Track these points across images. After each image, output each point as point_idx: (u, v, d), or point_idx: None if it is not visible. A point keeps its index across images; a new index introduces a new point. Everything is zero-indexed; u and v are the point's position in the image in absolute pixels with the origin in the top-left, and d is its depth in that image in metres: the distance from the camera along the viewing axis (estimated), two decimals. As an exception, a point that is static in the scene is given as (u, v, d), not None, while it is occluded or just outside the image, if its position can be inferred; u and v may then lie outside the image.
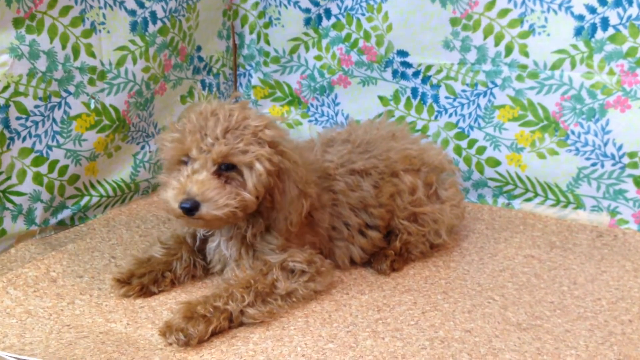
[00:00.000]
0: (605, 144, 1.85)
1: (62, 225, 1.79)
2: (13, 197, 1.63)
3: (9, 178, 1.61)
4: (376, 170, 1.58)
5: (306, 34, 2.19)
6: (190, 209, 1.30)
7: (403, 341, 1.29)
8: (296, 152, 1.44)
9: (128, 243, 1.69)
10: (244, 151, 1.34)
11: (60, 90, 1.69)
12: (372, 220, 1.57)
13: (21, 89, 1.59)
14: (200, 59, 2.15)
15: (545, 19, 1.85)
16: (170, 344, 1.25)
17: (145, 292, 1.44)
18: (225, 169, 1.35)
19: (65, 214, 1.79)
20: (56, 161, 1.72)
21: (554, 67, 1.87)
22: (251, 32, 2.28)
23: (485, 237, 1.80)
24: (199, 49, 2.13)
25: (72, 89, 1.71)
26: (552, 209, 1.97)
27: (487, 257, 1.68)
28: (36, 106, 1.63)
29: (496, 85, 1.96)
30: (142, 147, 2.00)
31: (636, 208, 1.87)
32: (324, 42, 2.17)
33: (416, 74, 2.07)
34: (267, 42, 2.26)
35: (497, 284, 1.54)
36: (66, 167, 1.74)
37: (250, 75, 2.33)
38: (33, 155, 1.66)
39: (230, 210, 1.33)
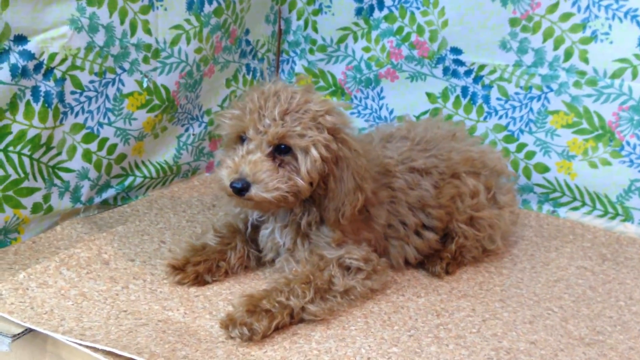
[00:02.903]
0: (662, 158, 1.82)
1: (105, 204, 1.75)
2: (62, 174, 1.59)
3: (59, 154, 1.57)
4: (437, 170, 1.54)
5: (356, 24, 2.15)
6: (241, 189, 1.28)
7: (468, 349, 1.26)
8: (358, 143, 1.40)
9: (176, 228, 1.65)
10: (301, 135, 1.30)
11: (115, 67, 1.64)
12: (429, 221, 1.53)
13: (78, 62, 1.54)
14: (248, 42, 2.11)
15: (610, 26, 1.81)
16: (233, 338, 1.21)
17: (199, 280, 1.41)
18: (281, 152, 1.32)
19: (109, 193, 1.75)
20: (106, 139, 1.67)
21: (614, 75, 1.83)
22: (299, 18, 2.23)
23: (535, 244, 1.77)
24: (247, 32, 2.08)
25: (126, 65, 1.67)
26: (599, 219, 1.94)
27: (540, 266, 1.65)
28: (91, 81, 1.59)
29: (552, 90, 1.92)
30: (186, 130, 1.95)
31: (687, 225, 1.84)
32: (374, 33, 2.13)
33: (468, 72, 2.03)
34: (315, 30, 2.21)
35: (554, 295, 1.51)
36: (115, 145, 1.70)
37: (294, 62, 2.29)
38: (84, 131, 1.62)
39: (281, 194, 1.30)
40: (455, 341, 1.29)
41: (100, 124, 1.65)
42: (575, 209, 1.97)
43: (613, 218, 1.92)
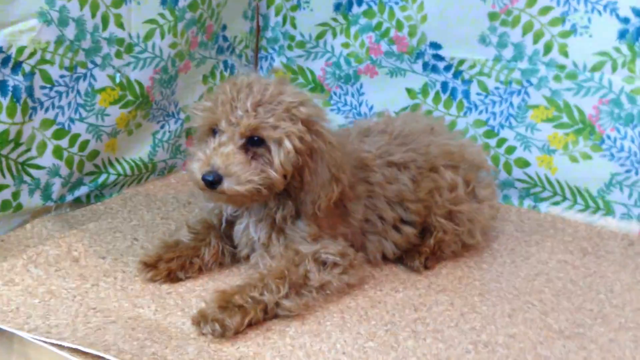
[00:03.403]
0: (642, 151, 1.80)
1: (78, 202, 1.71)
2: (32, 171, 1.55)
3: (28, 150, 1.53)
4: (415, 164, 1.51)
5: (335, 19, 2.12)
6: (213, 182, 1.25)
7: (445, 343, 1.24)
8: (334, 135, 1.37)
9: (150, 225, 1.61)
10: (274, 127, 1.27)
11: (87, 61, 1.60)
12: (407, 216, 1.51)
13: (48, 56, 1.50)
14: (225, 38, 2.08)
15: (589, 19, 1.80)
16: (204, 334, 1.18)
17: (172, 277, 1.37)
18: (254, 144, 1.29)
19: (82, 190, 1.71)
20: (77, 135, 1.64)
21: (594, 69, 1.81)
22: (277, 15, 2.21)
23: (516, 239, 1.75)
24: (224, 28, 2.06)
25: (98, 60, 1.63)
26: (581, 214, 1.92)
27: (520, 260, 1.63)
28: (61, 76, 1.55)
29: (532, 84, 1.90)
30: (162, 126, 1.92)
31: (669, 218, 1.83)
32: (353, 29, 2.11)
33: (448, 67, 2.01)
34: (294, 26, 2.18)
35: (534, 289, 1.49)
36: (87, 142, 1.67)
37: (272, 58, 2.26)
38: (55, 127, 1.58)
39: (254, 187, 1.27)
40: (433, 335, 1.26)
41: (72, 120, 1.61)
42: (556, 203, 1.95)
43: (594, 212, 1.90)
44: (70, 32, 1.54)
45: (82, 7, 1.55)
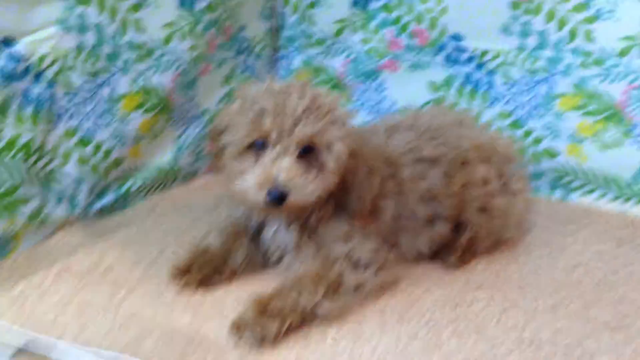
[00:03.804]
0: (673, 137, 1.77)
1: (104, 211, 1.69)
2: (58, 180, 1.53)
3: (54, 159, 1.51)
4: (446, 158, 1.48)
5: (353, 14, 2.09)
6: (280, 198, 1.21)
7: (489, 343, 1.21)
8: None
9: (179, 231, 1.59)
10: (324, 131, 1.25)
11: (108, 67, 1.58)
12: (441, 211, 1.47)
13: (69, 64, 1.48)
14: (244, 39, 2.05)
15: (615, 3, 1.76)
16: (244, 342, 1.16)
17: (205, 283, 1.35)
18: (305, 152, 1.26)
19: (108, 199, 1.69)
20: (101, 142, 1.62)
21: (622, 53, 1.77)
22: (294, 13, 2.18)
23: (549, 231, 1.71)
24: (242, 28, 2.03)
25: (120, 65, 1.61)
26: (612, 203, 1.88)
27: (556, 252, 1.59)
28: (83, 83, 1.53)
29: (558, 73, 1.87)
30: (185, 130, 1.90)
31: (701, 203, 1.79)
32: (372, 24, 2.07)
33: (471, 59, 1.97)
34: (312, 23, 2.15)
35: (574, 281, 1.45)
36: (111, 149, 1.64)
37: (292, 57, 2.23)
38: (79, 135, 1.56)
39: (317, 195, 1.25)
40: (476, 333, 1.23)
41: (95, 127, 1.59)
42: (587, 193, 1.91)
43: (627, 201, 1.87)
44: (90, 38, 1.52)
45: (100, 12, 1.53)
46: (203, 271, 1.35)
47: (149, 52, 1.68)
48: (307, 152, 1.26)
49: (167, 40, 1.71)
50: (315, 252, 1.34)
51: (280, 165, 1.22)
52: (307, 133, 1.23)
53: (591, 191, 1.91)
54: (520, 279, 1.46)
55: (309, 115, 1.24)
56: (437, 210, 1.47)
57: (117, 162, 1.68)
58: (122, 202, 1.74)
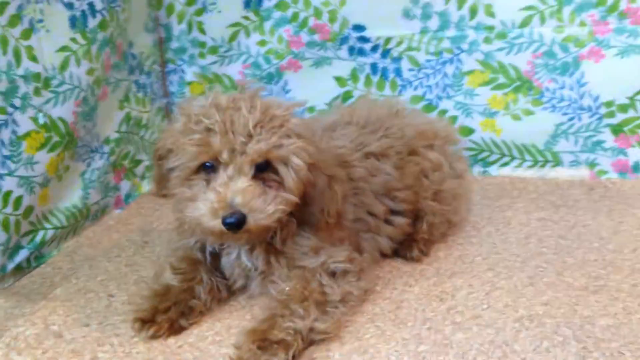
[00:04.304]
0: (582, 97, 1.84)
1: (19, 269, 1.49)
2: (-33, 242, 1.33)
3: (-38, 218, 1.31)
4: (393, 150, 1.44)
5: (246, 17, 2.00)
6: (238, 223, 1.10)
7: (492, 327, 1.18)
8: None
9: (118, 277, 1.42)
10: (279, 146, 1.14)
11: (6, 106, 1.39)
12: (397, 205, 1.43)
13: (-33, 107, 1.28)
14: (134, 56, 1.90)
15: (510, -25, 1.80)
16: (251, 381, 1.05)
17: (175, 328, 1.21)
18: (260, 170, 1.15)
19: (22, 255, 1.49)
20: (9, 192, 1.42)
21: (523, 24, 1.82)
22: (180, 22, 2.05)
23: (487, 207, 1.73)
24: (131, 45, 1.88)
25: (18, 102, 1.42)
26: (530, 170, 1.94)
27: (503, 227, 1.61)
28: (-17, 127, 1.34)
29: (463, 51, 1.89)
30: (88, 165, 1.72)
31: (614, 157, 1.88)
32: (267, 24, 1.99)
33: (375, 48, 1.95)
34: (202, 31, 2.04)
35: (533, 252, 1.47)
36: (20, 198, 1.45)
37: (182, 70, 2.10)
38: (-15, 186, 1.36)
39: (278, 216, 1.14)
40: (476, 322, 1.20)
41: (1, 176, 1.39)
42: (505, 164, 1.96)
43: (543, 166, 1.93)
44: (-17, 75, 1.32)
45: (-8, 44, 1.34)
46: (170, 315, 1.21)
47: (46, 83, 1.49)
48: (263, 170, 1.16)
49: (64, 66, 1.54)
50: (287, 273, 1.25)
51: (235, 188, 1.11)
52: (262, 149, 1.13)
53: (509, 162, 1.95)
54: (484, 260, 1.45)
55: (261, 129, 1.14)
56: (393, 205, 1.43)
57: (28, 212, 1.49)
58: (36, 256, 1.54)
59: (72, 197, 1.67)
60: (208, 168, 1.15)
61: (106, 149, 1.78)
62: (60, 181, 1.61)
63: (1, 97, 1.38)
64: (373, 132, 1.46)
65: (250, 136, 1.13)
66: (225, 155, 1.12)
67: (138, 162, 1.92)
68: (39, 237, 1.54)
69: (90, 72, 1.61)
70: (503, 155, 1.95)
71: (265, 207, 1.12)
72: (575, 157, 1.90)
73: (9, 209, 1.43)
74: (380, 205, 1.40)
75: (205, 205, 1.11)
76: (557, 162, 1.91)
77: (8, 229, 1.43)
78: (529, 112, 1.89)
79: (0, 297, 1.37)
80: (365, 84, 1.99)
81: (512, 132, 1.92)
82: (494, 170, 1.96)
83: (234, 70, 2.06)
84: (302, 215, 1.24)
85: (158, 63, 2.06)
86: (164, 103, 2.08)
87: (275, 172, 1.16)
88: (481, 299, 1.28)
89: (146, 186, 1.96)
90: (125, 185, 1.87)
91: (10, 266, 1.46)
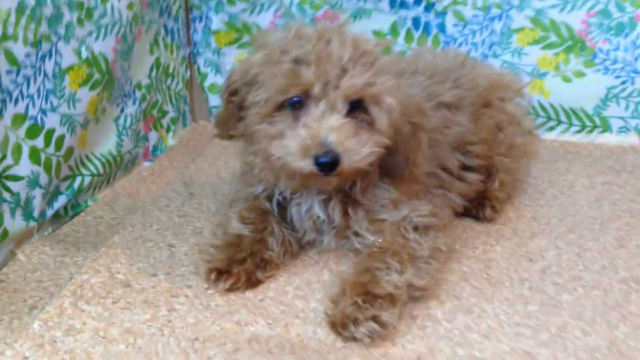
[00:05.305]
0: (636, 59, 1.76)
1: (57, 217, 1.35)
2: (10, 184, 1.17)
3: (4, 157, 1.15)
4: (466, 102, 1.33)
5: (282, -37, 1.86)
6: (332, 163, 0.97)
7: (598, 289, 1.10)
8: None
9: (173, 227, 1.29)
10: (372, 83, 1.02)
11: (50, 33, 1.24)
12: (470, 161, 1.32)
13: (9, 30, 1.13)
14: (163, -2, 1.75)
15: None
16: (356, 339, 0.93)
17: (252, 281, 1.09)
18: (353, 108, 1.03)
19: (60, 201, 1.35)
20: (52, 130, 1.27)
21: (579, -20, 1.73)
22: (208, -35, 1.90)
23: (545, 170, 1.63)
24: (160, -16, 1.73)
25: (61, 30, 1.27)
26: (577, 135, 1.85)
27: (567, 190, 1.52)
28: (27, 55, 1.18)
29: (513, 7, 1.78)
30: (122, 110, 1.57)
31: (665, 124, 1.81)
32: (304, -29, 1.86)
33: (418, 1, 1.83)
34: (232, -24, 1.89)
35: (610, 215, 1.38)
36: (62, 137, 1.30)
37: (208, 18, 1.94)
38: (27, 123, 1.20)
39: (371, 159, 1.03)
40: (577, 284, 1.11)
41: (44, 111, 1.24)
42: (551, 129, 1.87)
43: (591, 132, 1.85)
44: (29, -4, 1.17)
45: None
46: (246, 267, 1.09)
47: (89, 13, 1.34)
48: (354, 109, 1.04)
49: (105, -3, 1.38)
50: (367, 225, 1.13)
51: (329, 125, 0.99)
52: (357, 85, 1.01)
53: (555, 126, 1.87)
54: (561, 221, 1.36)
55: (355, 64, 1.02)
56: (465, 160, 1.32)
57: (68, 154, 1.35)
58: (73, 205, 1.40)
59: (107, 143, 1.53)
60: (294, 103, 1.02)
61: (138, 94, 1.64)
62: (97, 124, 1.47)
63: (45, 23, 1.22)
64: (442, 82, 1.34)
65: (345, 70, 1.01)
66: (318, 89, 1.00)
67: (165, 112, 1.77)
68: (76, 184, 1.41)
69: (129, 6, 1.46)
70: (549, 118, 1.86)
71: (360, 148, 1.00)
72: (625, 123, 1.82)
73: (51, 149, 1.28)
74: (454, 160, 1.30)
75: (294, 144, 0.99)
76: (606, 128, 1.83)
77: (50, 170, 1.29)
78: (580, 74, 1.80)
79: (45, 245, 1.24)
80: (405, 39, 1.87)
81: (561, 94, 1.82)
82: (539, 134, 1.86)
83: (265, 20, 1.91)
84: (386, 164, 1.13)
85: (183, 8, 1.90)
86: (187, 52, 1.93)
87: (365, 112, 1.04)
88: (574, 260, 1.19)
89: (171, 140, 1.82)
90: (153, 136, 1.72)
91: (49, 213, 1.32)
